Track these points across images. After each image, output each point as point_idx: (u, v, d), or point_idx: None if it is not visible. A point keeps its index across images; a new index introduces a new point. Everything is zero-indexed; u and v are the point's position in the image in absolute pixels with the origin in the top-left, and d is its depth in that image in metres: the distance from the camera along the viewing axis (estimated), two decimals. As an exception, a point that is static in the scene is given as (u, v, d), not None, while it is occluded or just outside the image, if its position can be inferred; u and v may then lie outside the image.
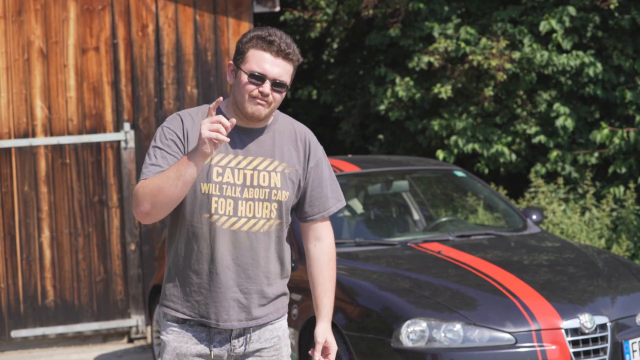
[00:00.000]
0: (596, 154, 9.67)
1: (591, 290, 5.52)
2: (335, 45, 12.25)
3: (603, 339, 5.21)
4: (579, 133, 10.02)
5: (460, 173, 7.19)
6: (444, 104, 10.45)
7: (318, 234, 3.48)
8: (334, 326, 5.21)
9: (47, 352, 8.08)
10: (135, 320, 8.19)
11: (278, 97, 3.28)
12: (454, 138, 9.98)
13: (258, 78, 3.24)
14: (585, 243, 8.00)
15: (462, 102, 10.37)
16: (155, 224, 7.96)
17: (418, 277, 5.57)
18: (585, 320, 5.16)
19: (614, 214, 9.19)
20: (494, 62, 9.67)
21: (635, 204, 9.25)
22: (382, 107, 10.47)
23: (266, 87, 3.24)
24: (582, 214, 9.39)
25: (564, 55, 9.71)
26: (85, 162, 8.05)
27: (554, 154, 9.73)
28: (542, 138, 9.87)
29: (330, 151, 10.82)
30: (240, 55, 3.29)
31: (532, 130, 9.97)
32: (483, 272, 5.58)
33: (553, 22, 9.70)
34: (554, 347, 5.06)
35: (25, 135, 7.96)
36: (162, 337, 3.43)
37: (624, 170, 9.46)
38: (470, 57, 9.79)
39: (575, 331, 5.14)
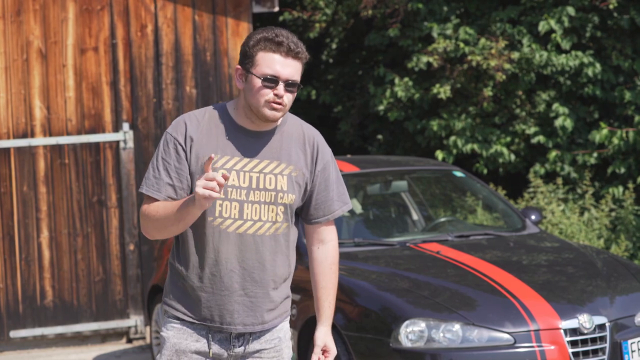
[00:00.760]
0: (595, 154, 9.66)
1: (590, 290, 5.52)
2: (334, 46, 12.25)
3: (602, 339, 5.21)
4: (578, 133, 10.01)
5: (459, 173, 7.19)
6: (443, 104, 10.45)
7: (322, 237, 3.47)
8: (333, 326, 5.21)
9: (46, 352, 8.07)
10: (134, 320, 8.19)
11: (291, 97, 3.27)
12: (453, 138, 9.98)
13: (271, 80, 3.21)
14: (584, 243, 7.99)
15: (461, 102, 10.37)
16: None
17: (417, 277, 5.57)
18: (584, 321, 5.16)
19: (613, 214, 9.18)
20: (493, 63, 9.66)
21: (634, 204, 9.24)
22: (381, 107, 10.47)
23: (280, 88, 3.22)
24: (581, 214, 9.39)
25: (563, 55, 9.70)
26: (84, 162, 8.05)
27: (553, 154, 9.73)
28: (541, 138, 9.87)
29: (329, 151, 10.78)
30: (248, 59, 3.25)
31: (531, 130, 9.96)
32: (482, 272, 5.58)
33: (552, 22, 9.69)
34: (552, 347, 5.06)
35: (24, 136, 7.95)
36: (162, 333, 3.43)
37: (623, 170, 9.46)
38: (469, 58, 9.79)
39: (574, 331, 5.14)
